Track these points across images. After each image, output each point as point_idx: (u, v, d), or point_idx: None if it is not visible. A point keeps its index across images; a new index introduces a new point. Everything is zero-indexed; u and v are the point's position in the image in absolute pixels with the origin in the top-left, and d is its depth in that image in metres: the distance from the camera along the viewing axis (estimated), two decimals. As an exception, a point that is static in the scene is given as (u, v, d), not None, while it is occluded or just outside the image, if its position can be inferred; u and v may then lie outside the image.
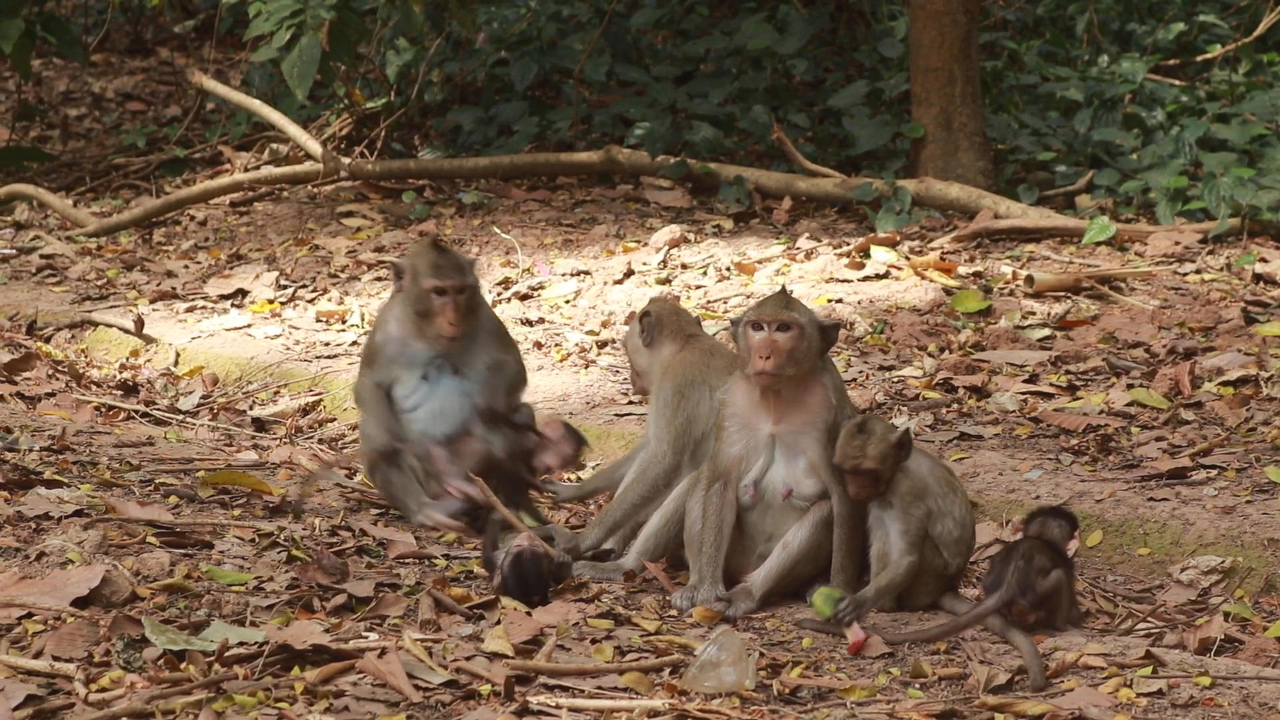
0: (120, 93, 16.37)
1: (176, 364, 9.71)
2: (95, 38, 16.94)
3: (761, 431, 6.04)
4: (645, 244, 11.05)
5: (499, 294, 10.44)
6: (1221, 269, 10.36)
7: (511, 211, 12.09)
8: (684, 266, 10.62)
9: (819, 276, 10.25)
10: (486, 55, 13.67)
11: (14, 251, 11.85)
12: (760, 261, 10.59)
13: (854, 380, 8.76)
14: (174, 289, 10.91)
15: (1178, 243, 10.72)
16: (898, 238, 10.86)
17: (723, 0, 14.54)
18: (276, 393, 9.26)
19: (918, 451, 6.07)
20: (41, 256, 11.72)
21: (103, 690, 4.84)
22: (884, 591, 5.94)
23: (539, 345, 9.68)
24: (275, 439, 8.53)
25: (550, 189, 12.59)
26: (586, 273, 10.65)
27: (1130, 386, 8.44)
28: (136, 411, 8.83)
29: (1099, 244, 10.79)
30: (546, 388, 8.89)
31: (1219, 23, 14.44)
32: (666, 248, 10.86)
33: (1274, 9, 13.81)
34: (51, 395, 8.87)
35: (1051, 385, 8.60)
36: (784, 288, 6.28)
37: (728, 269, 10.48)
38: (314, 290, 10.71)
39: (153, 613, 5.36)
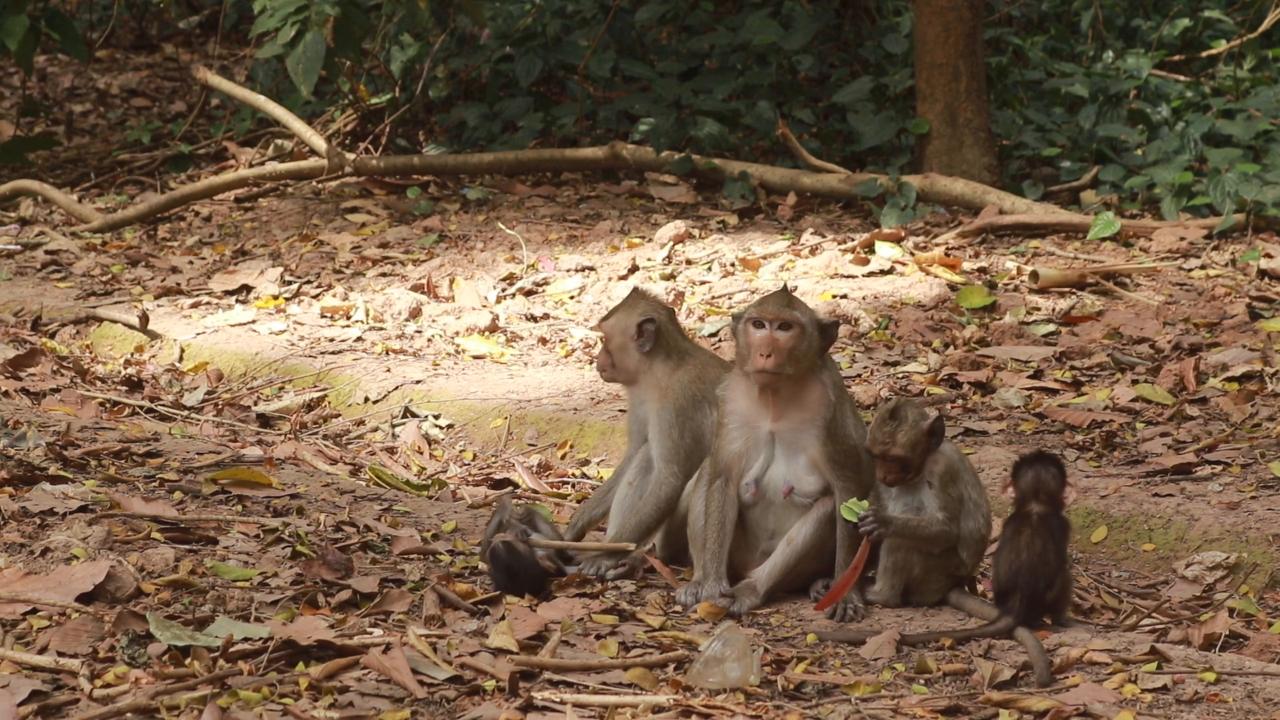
0: (125, 89, 16.36)
1: (181, 360, 9.72)
2: (100, 34, 16.94)
3: (761, 429, 6.03)
4: (650, 240, 11.04)
5: (503, 290, 10.44)
6: (1226, 265, 10.35)
7: (516, 207, 12.08)
8: (688, 262, 10.61)
9: (823, 272, 10.24)
10: (491, 51, 13.66)
11: (19, 247, 11.86)
12: (765, 257, 10.58)
13: (859, 376, 8.76)
14: (179, 285, 10.92)
15: (1183, 238, 10.71)
16: (902, 233, 10.85)
17: (727, -4, 14.54)
18: (281, 388, 9.26)
19: (950, 443, 6.06)
20: (46, 252, 11.73)
21: (107, 686, 4.83)
22: (912, 530, 5.90)
23: (544, 341, 9.68)
24: (280, 435, 8.53)
25: (555, 185, 12.59)
26: (591, 269, 10.64)
27: (1135, 382, 8.43)
28: (141, 407, 8.83)
29: (1104, 240, 10.78)
30: (551, 384, 8.90)
31: (1224, 18, 14.42)
32: (671, 244, 10.85)
33: (1278, 5, 13.79)
34: (56, 391, 8.88)
35: (1056, 381, 8.60)
36: (785, 286, 6.27)
37: (732, 265, 10.47)
38: (319, 286, 10.71)
39: (157, 608, 5.36)
